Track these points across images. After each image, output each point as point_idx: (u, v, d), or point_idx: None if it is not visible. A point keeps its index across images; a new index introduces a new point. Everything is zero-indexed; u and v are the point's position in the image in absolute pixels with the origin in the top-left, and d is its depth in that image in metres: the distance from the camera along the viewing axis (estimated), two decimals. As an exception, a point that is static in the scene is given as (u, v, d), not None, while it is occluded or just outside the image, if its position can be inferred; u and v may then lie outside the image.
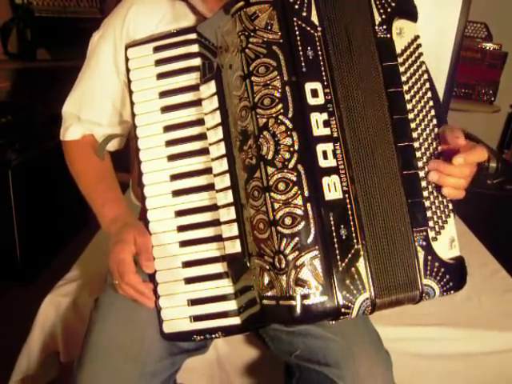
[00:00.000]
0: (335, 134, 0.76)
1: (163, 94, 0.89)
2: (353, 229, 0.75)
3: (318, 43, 0.78)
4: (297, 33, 0.76)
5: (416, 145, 0.82)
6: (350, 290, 0.74)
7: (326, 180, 0.75)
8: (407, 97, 0.83)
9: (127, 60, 0.92)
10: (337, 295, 0.73)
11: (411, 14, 0.85)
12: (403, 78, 0.83)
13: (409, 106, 0.83)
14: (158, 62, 0.90)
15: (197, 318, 0.86)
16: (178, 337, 0.88)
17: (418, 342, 1.17)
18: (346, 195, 0.75)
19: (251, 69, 0.76)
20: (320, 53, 0.77)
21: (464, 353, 1.18)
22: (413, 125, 0.83)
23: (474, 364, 1.18)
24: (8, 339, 1.28)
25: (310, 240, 0.73)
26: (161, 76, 0.90)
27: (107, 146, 1.04)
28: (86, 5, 2.70)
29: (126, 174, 1.15)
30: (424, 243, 0.81)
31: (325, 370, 0.92)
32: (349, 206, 0.75)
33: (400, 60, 0.83)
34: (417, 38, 0.85)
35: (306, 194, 0.73)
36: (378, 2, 0.83)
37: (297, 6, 0.77)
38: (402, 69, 0.83)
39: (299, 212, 0.73)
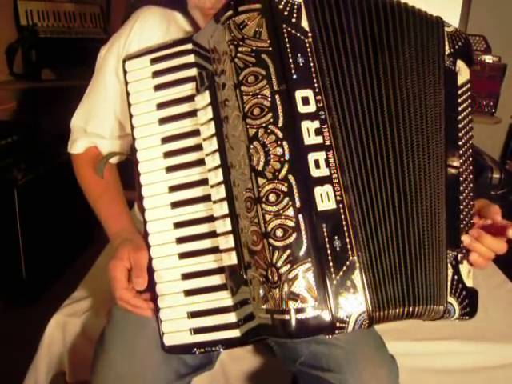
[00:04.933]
0: (327, 143, 0.74)
1: (161, 106, 0.89)
2: (347, 240, 0.73)
3: (308, 49, 0.76)
4: (286, 40, 0.75)
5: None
6: (345, 304, 0.71)
7: (318, 190, 0.72)
8: (458, 126, 0.87)
9: (125, 73, 0.92)
10: (331, 309, 0.70)
11: (469, 59, 0.92)
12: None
13: (459, 135, 0.87)
14: (155, 74, 0.90)
15: (197, 331, 0.85)
16: (178, 350, 0.87)
17: (427, 357, 1.14)
18: (340, 205, 0.73)
19: (241, 78, 0.75)
20: (311, 59, 0.75)
21: (473, 367, 1.14)
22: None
23: (484, 378, 1.15)
24: (14, 359, 1.29)
25: (302, 252, 0.71)
26: (158, 88, 0.89)
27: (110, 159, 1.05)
28: (90, 25, 2.75)
29: (132, 192, 1.14)
30: (454, 262, 0.83)
31: (328, 375, 0.91)
32: (343, 216, 0.73)
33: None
34: (469, 81, 0.90)
35: (298, 204, 0.71)
36: (449, 36, 0.89)
37: (286, 13, 0.76)
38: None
39: (290, 224, 0.71)
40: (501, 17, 2.66)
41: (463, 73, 0.90)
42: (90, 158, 1.05)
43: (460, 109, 0.88)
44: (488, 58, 2.67)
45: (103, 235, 1.00)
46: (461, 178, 0.86)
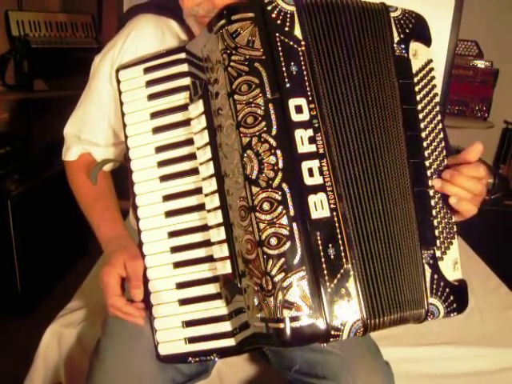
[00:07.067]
0: (321, 151, 0.74)
1: (154, 115, 0.89)
2: (341, 248, 0.73)
3: (301, 58, 0.76)
4: (279, 48, 0.75)
5: (426, 163, 0.83)
6: (339, 312, 0.71)
7: (312, 198, 0.73)
8: (420, 116, 0.84)
9: (119, 82, 0.92)
10: (326, 317, 0.70)
11: (426, 39, 0.89)
12: (417, 98, 0.85)
13: (421, 125, 0.84)
14: (149, 83, 0.90)
15: (192, 340, 0.85)
16: (173, 359, 0.87)
17: (422, 362, 1.14)
18: (334, 213, 0.73)
19: (234, 87, 0.75)
20: (304, 68, 0.76)
21: (469, 371, 1.14)
22: (424, 144, 0.84)
23: (480, 382, 1.14)
24: (10, 371, 1.27)
25: (296, 260, 0.71)
26: (152, 97, 0.89)
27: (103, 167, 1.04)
28: (82, 35, 2.72)
29: (125, 202, 1.13)
30: (431, 261, 0.81)
31: (323, 383, 0.91)
32: (337, 224, 0.73)
33: (415, 80, 0.85)
34: (430, 61, 0.87)
35: (292, 213, 0.71)
36: (397, 22, 0.85)
37: (279, 22, 0.76)
38: (416, 89, 0.85)
39: (285, 232, 0.71)
40: (493, 22, 2.67)
41: (421, 55, 0.86)
42: (83, 165, 1.05)
43: (420, 97, 0.85)
44: (480, 63, 2.70)
45: (98, 246, 0.99)
46: (429, 171, 0.83)
